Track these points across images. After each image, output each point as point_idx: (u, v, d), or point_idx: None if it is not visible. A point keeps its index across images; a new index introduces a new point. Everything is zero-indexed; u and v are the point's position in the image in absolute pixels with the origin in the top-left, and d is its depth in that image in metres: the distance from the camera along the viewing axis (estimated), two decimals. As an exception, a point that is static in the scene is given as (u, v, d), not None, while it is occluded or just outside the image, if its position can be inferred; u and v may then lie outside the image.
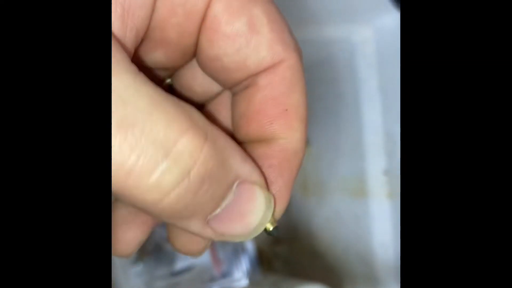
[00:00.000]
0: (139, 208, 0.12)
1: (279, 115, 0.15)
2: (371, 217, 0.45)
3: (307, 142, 0.57)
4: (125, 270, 0.48)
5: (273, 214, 0.15)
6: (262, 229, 0.15)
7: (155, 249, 0.49)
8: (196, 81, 0.18)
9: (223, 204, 0.13)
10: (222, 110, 0.18)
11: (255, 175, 0.14)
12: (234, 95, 0.17)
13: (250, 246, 0.54)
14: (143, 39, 0.15)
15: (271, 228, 0.15)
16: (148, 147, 0.11)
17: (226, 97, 0.18)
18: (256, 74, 0.16)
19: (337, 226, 0.52)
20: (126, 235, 0.17)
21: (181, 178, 0.11)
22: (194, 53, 0.16)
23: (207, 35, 0.15)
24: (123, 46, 0.13)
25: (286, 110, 0.16)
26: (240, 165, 0.14)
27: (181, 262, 0.50)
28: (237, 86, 0.16)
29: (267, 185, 0.15)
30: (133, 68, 0.12)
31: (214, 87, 0.18)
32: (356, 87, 0.46)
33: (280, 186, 0.15)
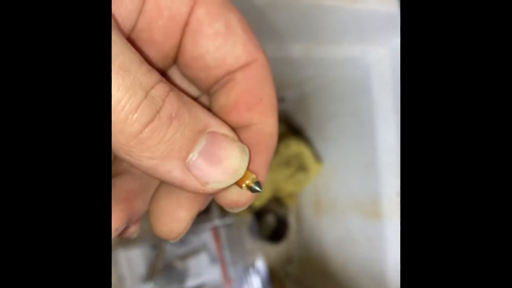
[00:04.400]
0: (123, 151, 0.14)
1: (256, 104, 0.18)
2: (385, 239, 0.44)
3: (320, 160, 0.57)
4: (135, 289, 0.48)
5: (249, 169, 0.16)
6: (241, 174, 0.16)
7: (166, 268, 0.49)
8: None
9: (198, 148, 0.15)
10: None
11: (225, 129, 0.16)
12: (212, 95, 0.19)
13: (261, 265, 0.53)
14: (130, 40, 0.17)
15: (252, 184, 0.16)
16: (135, 87, 0.13)
17: (204, 100, 0.20)
18: (233, 72, 0.18)
19: (350, 246, 0.51)
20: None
21: (154, 114, 0.13)
22: (175, 57, 0.18)
23: (191, 36, 0.17)
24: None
25: (261, 99, 0.18)
26: (208, 117, 0.15)
27: (192, 281, 0.50)
28: (215, 85, 0.18)
29: (239, 139, 0.16)
30: (122, 35, 0.14)
31: (192, 92, 0.20)
32: (370, 106, 0.45)
33: (259, 163, 0.17)
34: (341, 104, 0.51)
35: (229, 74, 0.18)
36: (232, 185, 0.16)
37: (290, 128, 0.60)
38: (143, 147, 0.14)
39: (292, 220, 0.62)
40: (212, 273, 0.51)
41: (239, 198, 0.17)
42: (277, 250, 0.61)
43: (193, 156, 0.15)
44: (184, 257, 0.51)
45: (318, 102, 0.56)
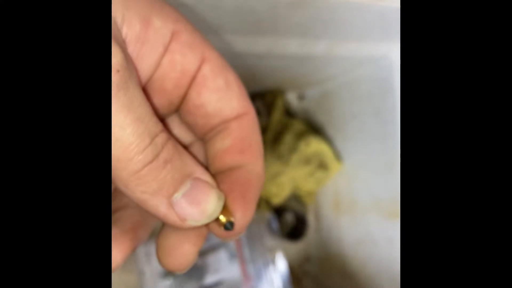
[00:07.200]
0: (122, 183, 0.17)
1: (247, 148, 0.21)
2: (406, 240, 0.44)
3: (341, 158, 0.56)
4: (155, 284, 0.48)
5: (225, 207, 0.19)
6: (215, 216, 0.19)
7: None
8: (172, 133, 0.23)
9: (183, 189, 0.18)
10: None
11: (207, 177, 0.19)
12: (207, 141, 0.22)
13: (282, 263, 0.53)
14: (144, 88, 0.20)
15: (225, 221, 0.19)
16: (145, 135, 0.16)
17: (196, 147, 0.23)
18: (228, 121, 0.21)
19: (370, 247, 0.50)
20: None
21: (153, 158, 0.16)
22: (178, 105, 0.21)
23: (196, 88, 0.20)
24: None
25: (251, 145, 0.21)
26: (194, 166, 0.19)
27: (211, 277, 0.50)
28: (211, 132, 0.22)
29: (217, 187, 0.20)
30: (141, 88, 0.17)
31: (187, 138, 0.23)
32: (393, 105, 0.45)
33: (248, 198, 0.20)
34: (364, 103, 0.50)
35: (225, 123, 0.21)
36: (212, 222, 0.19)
37: (310, 126, 0.60)
38: (139, 182, 0.16)
39: (311, 219, 0.62)
40: (231, 270, 0.51)
41: (228, 233, 0.20)
42: (295, 248, 0.61)
43: (178, 195, 0.18)
44: (203, 253, 0.51)
45: (339, 101, 0.56)
